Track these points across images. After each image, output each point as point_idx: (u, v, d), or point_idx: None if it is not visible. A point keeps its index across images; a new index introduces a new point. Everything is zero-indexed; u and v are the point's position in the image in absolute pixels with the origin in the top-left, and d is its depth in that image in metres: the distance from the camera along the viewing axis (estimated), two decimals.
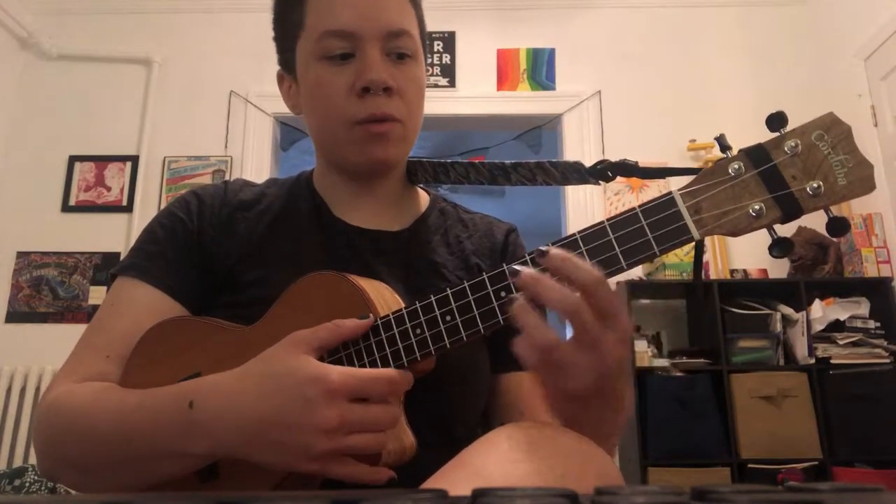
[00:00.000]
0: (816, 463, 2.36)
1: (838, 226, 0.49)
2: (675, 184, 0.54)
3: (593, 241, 0.54)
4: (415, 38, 0.76)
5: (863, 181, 0.48)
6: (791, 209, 0.50)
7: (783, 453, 2.37)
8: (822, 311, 2.58)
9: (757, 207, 0.50)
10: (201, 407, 0.56)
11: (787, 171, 0.50)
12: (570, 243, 0.54)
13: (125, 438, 0.60)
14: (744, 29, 3.26)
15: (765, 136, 0.53)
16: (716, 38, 3.25)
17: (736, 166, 0.51)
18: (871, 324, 2.57)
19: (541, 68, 3.25)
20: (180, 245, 0.75)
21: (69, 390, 0.66)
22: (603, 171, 0.70)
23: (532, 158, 0.76)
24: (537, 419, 0.72)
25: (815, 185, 0.49)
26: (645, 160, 3.07)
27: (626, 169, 0.68)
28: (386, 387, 0.55)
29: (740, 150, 0.52)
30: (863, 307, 2.61)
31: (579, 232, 0.55)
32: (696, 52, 3.24)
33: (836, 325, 2.56)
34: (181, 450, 0.57)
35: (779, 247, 0.51)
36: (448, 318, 0.58)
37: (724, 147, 0.53)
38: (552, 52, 3.27)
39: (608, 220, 0.54)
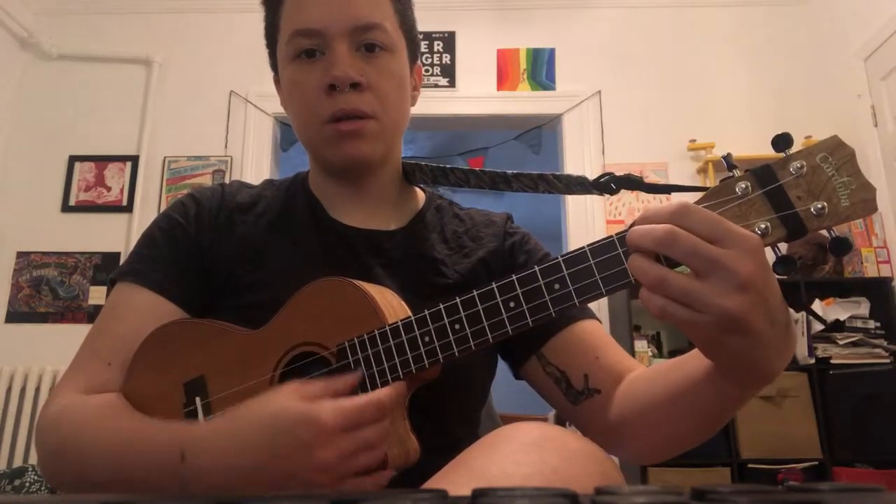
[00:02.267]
0: (816, 463, 2.36)
1: (840, 246, 0.51)
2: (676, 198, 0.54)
3: (602, 253, 0.54)
4: (388, 30, 0.74)
5: (865, 203, 0.50)
6: (796, 228, 0.51)
7: (783, 453, 2.37)
8: (822, 311, 2.58)
9: (763, 226, 0.51)
10: (193, 461, 0.54)
11: (792, 191, 0.51)
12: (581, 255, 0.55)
13: (118, 474, 0.59)
14: (744, 29, 3.26)
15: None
16: (716, 38, 3.25)
17: (743, 185, 0.52)
18: (871, 324, 2.57)
19: (541, 68, 3.25)
20: (179, 249, 0.74)
21: (70, 405, 0.66)
22: (607, 184, 0.70)
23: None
24: (611, 358, 0.72)
25: (819, 205, 0.50)
26: (645, 160, 3.05)
27: (632, 183, 0.68)
28: (376, 412, 0.54)
29: (747, 170, 0.53)
30: (863, 307, 2.62)
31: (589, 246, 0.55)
32: (696, 52, 3.24)
33: (836, 325, 2.56)
34: (177, 492, 0.55)
35: (782, 264, 0.51)
36: (457, 326, 0.58)
37: (731, 166, 0.54)
38: (552, 52, 3.27)
39: (616, 235, 0.54)
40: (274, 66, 0.81)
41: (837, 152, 0.51)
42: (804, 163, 0.51)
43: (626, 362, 0.73)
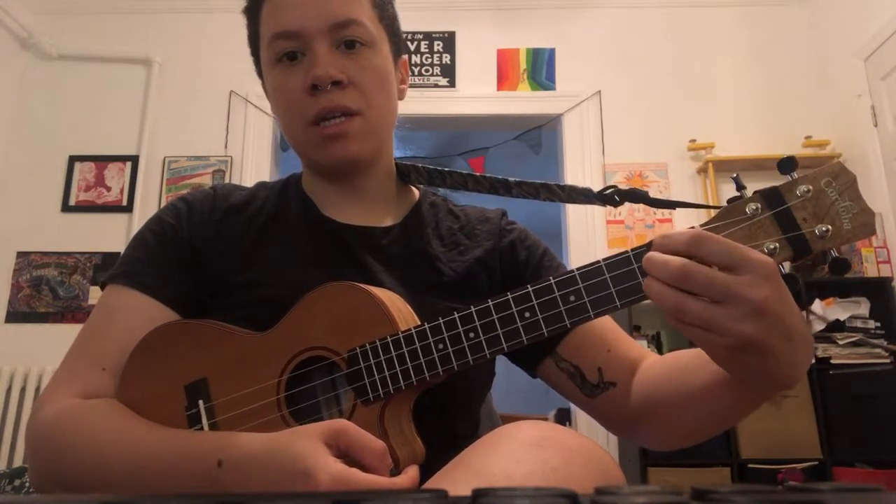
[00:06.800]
0: (816, 463, 2.36)
1: (839, 266, 0.54)
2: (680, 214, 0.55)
3: (618, 268, 0.56)
4: (367, 25, 0.74)
5: (865, 227, 0.53)
6: (801, 249, 0.53)
7: (783, 453, 2.37)
8: (821, 312, 2.58)
9: (772, 246, 0.53)
10: (230, 471, 0.53)
11: (798, 213, 0.54)
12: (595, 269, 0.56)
13: (140, 483, 0.57)
14: (744, 29, 3.26)
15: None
16: (716, 38, 3.25)
17: (753, 207, 0.54)
18: (871, 324, 2.57)
19: (541, 68, 3.25)
20: (171, 251, 0.74)
21: (70, 409, 0.64)
22: (611, 197, 0.71)
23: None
24: (623, 350, 0.73)
25: (823, 228, 0.53)
26: (645, 160, 3.05)
27: (636, 196, 0.70)
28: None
29: (756, 192, 0.55)
30: (863, 307, 2.62)
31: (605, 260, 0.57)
32: (696, 52, 3.24)
33: (836, 325, 2.56)
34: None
35: (786, 281, 0.53)
36: (472, 335, 0.59)
37: (740, 186, 0.57)
38: (552, 52, 3.27)
39: (632, 250, 0.55)
40: (259, 72, 0.82)
41: (841, 177, 0.53)
42: (810, 187, 0.53)
43: (638, 352, 0.74)
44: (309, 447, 0.51)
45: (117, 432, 0.61)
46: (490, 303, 0.58)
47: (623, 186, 0.72)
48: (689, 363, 0.65)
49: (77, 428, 0.62)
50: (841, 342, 2.51)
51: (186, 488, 0.55)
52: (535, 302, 0.57)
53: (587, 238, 2.97)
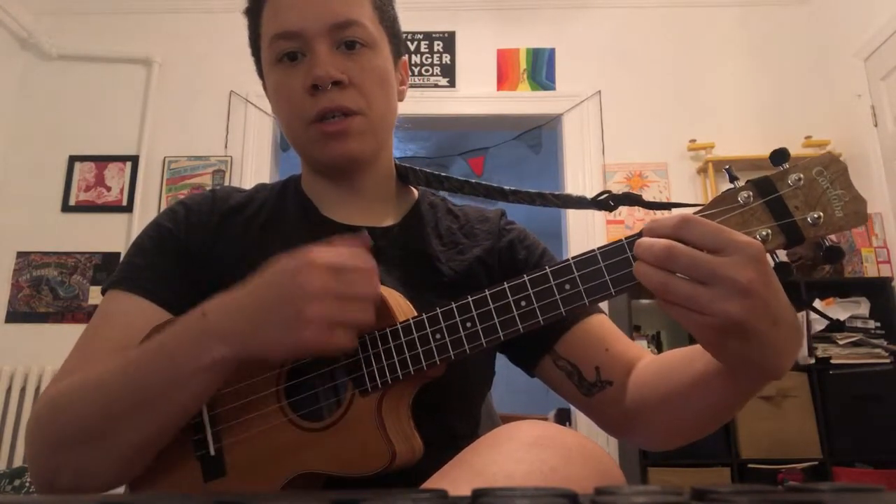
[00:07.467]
0: (816, 463, 2.36)
1: (833, 254, 0.55)
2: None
3: (612, 256, 0.57)
4: (366, 26, 0.75)
5: (857, 214, 0.54)
6: (794, 236, 0.54)
7: (783, 453, 2.37)
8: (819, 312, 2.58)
9: (764, 233, 0.54)
10: (213, 313, 0.58)
11: (790, 201, 0.54)
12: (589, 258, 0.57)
13: (141, 383, 0.59)
14: (744, 29, 3.26)
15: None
16: (716, 38, 3.25)
17: (745, 195, 0.55)
18: (871, 324, 2.57)
19: (541, 68, 3.24)
20: (168, 255, 0.75)
21: (62, 386, 0.65)
22: (605, 203, 0.73)
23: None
24: (620, 349, 0.74)
25: (815, 215, 0.54)
26: (645, 160, 3.04)
27: (631, 200, 0.71)
28: (359, 257, 0.58)
29: (748, 181, 0.56)
30: (863, 307, 2.62)
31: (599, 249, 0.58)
32: (696, 52, 3.24)
33: (837, 325, 2.56)
34: (197, 360, 0.57)
35: (780, 270, 0.54)
36: (468, 324, 0.59)
37: (733, 177, 0.58)
38: (552, 52, 3.26)
39: (626, 239, 0.56)
40: (260, 73, 0.83)
41: (832, 167, 0.54)
42: (801, 175, 0.54)
43: (634, 351, 0.75)
44: (291, 255, 0.57)
45: (105, 365, 0.63)
46: (487, 292, 0.59)
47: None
48: (682, 358, 0.66)
49: (69, 386, 0.63)
50: (841, 342, 2.51)
51: (181, 362, 0.58)
52: (530, 291, 0.58)
53: (587, 238, 2.97)
